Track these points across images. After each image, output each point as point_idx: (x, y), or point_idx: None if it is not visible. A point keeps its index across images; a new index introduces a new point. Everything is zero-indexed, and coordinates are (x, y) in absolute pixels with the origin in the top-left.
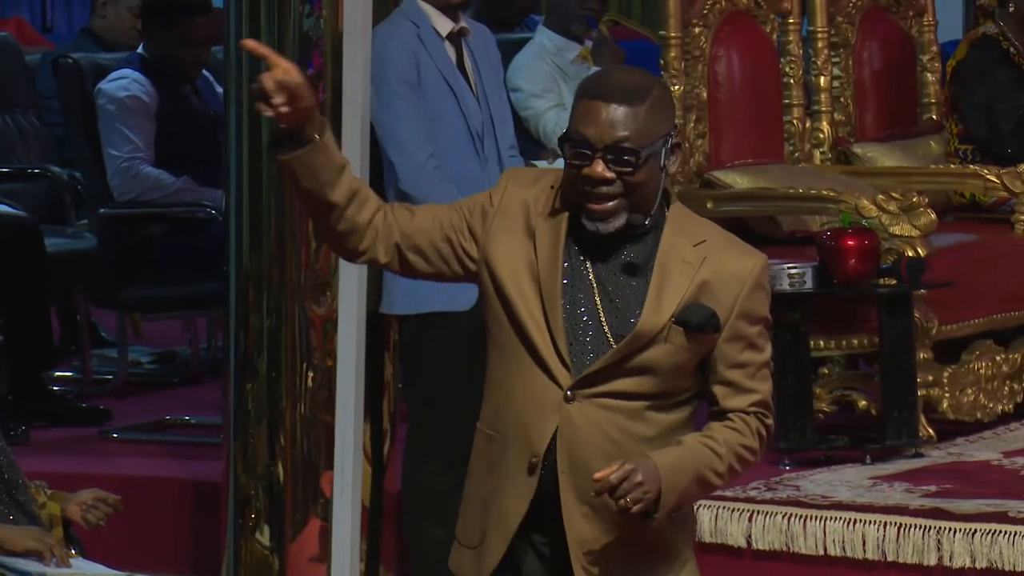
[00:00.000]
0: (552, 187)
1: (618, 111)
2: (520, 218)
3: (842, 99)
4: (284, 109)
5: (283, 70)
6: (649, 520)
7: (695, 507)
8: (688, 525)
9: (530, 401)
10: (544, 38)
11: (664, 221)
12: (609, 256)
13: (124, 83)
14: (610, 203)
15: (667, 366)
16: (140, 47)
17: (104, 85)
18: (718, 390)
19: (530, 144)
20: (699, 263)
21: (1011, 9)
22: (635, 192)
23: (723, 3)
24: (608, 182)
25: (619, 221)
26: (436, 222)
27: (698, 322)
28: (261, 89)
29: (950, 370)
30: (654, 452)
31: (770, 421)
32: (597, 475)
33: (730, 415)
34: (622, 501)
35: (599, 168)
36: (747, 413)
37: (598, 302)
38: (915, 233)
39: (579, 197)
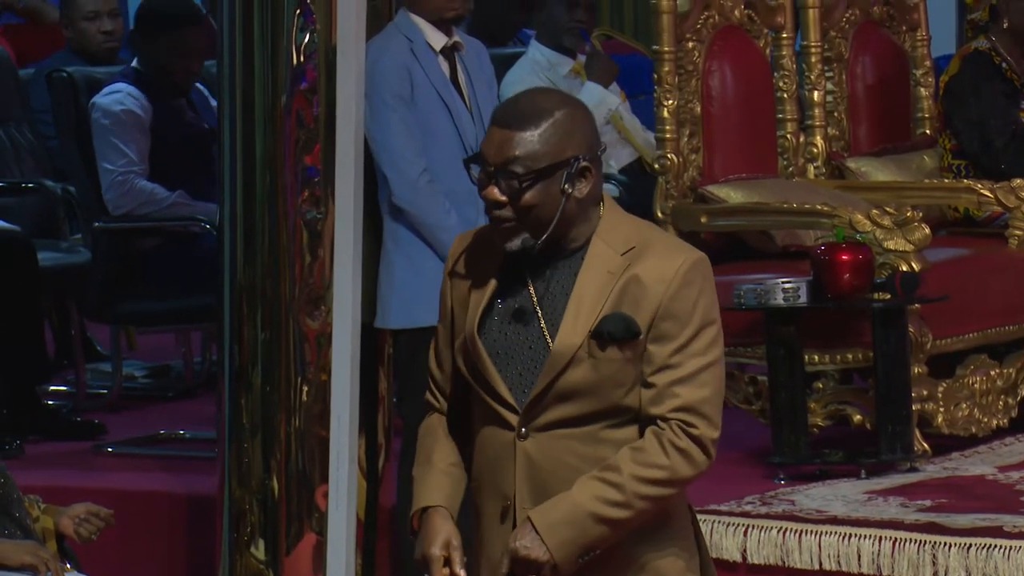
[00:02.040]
0: (486, 231)
1: (506, 135)
2: (465, 276)
3: (836, 114)
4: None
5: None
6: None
7: (694, 516)
8: (673, 546)
9: (491, 447)
10: (537, 53)
11: (596, 231)
12: (547, 273)
13: (119, 96)
14: (504, 225)
15: (599, 382)
16: (134, 60)
17: (99, 99)
18: (643, 395)
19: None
20: (622, 271)
21: (1004, 25)
22: (527, 215)
23: (716, 18)
24: (499, 204)
25: (517, 242)
26: (448, 361)
27: (612, 331)
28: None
29: (944, 384)
30: (536, 509)
31: (700, 431)
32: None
33: (649, 429)
34: None
35: (492, 191)
36: (666, 421)
37: (543, 326)
38: (909, 248)
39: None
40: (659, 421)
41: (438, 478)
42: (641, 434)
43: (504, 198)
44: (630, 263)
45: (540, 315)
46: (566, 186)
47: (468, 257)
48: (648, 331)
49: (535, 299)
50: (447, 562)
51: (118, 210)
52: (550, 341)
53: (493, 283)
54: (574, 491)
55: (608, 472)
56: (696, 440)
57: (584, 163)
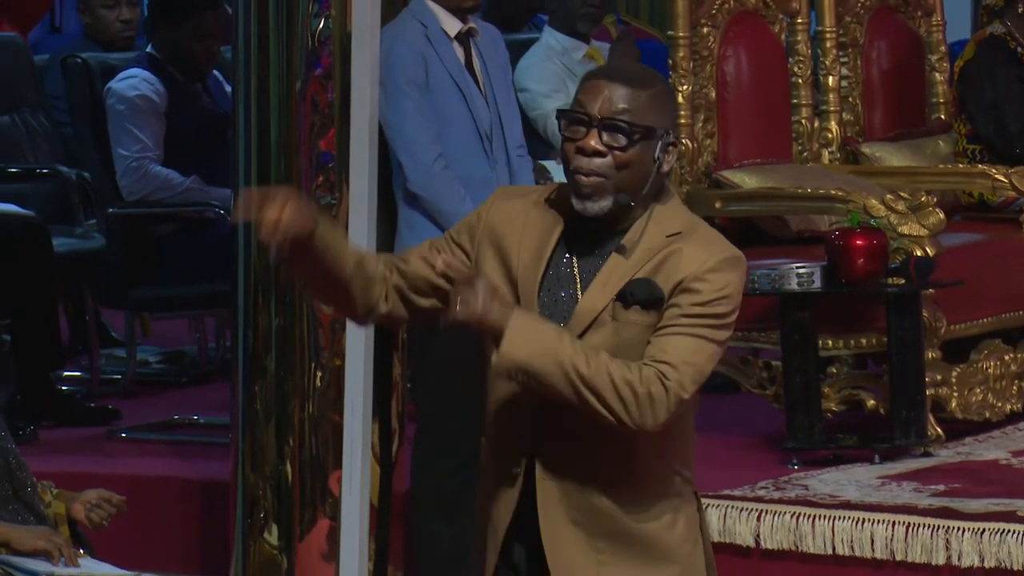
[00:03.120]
0: (545, 197)
1: (619, 89)
2: (506, 230)
3: (850, 99)
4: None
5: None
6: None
7: (699, 504)
8: (679, 527)
9: (510, 410)
10: (551, 38)
11: (650, 216)
12: (595, 249)
13: (134, 82)
14: (597, 179)
15: (619, 346)
16: (149, 46)
17: (114, 84)
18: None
19: (538, 144)
20: (661, 249)
21: (1020, 10)
22: (624, 171)
23: (731, 3)
24: (600, 154)
25: (605, 201)
26: (428, 257)
27: (635, 293)
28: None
29: (958, 369)
30: (525, 312)
31: (673, 386)
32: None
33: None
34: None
35: (592, 140)
36: (648, 365)
37: (578, 295)
38: (923, 233)
39: (570, 172)
40: (645, 363)
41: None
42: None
43: (604, 148)
44: (671, 245)
45: (579, 287)
46: (659, 155)
47: (519, 212)
48: (667, 299)
49: (577, 270)
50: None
51: (132, 195)
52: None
53: (551, 247)
54: (561, 330)
55: (590, 349)
56: (668, 392)
57: (671, 139)
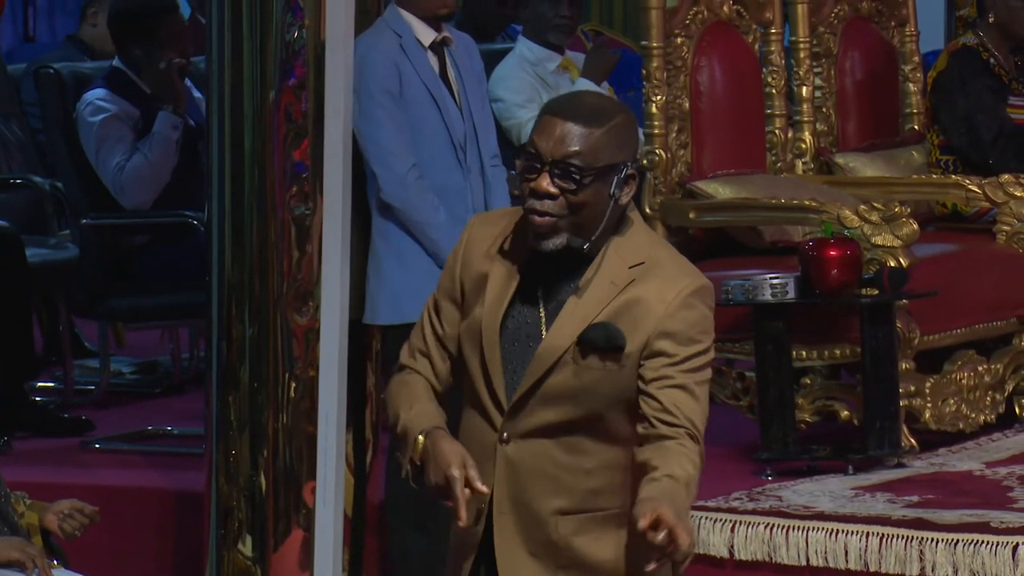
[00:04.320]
0: (515, 224)
1: (572, 129)
2: (480, 261)
3: (824, 109)
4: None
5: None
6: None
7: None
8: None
9: (474, 447)
10: (524, 48)
11: (609, 243)
12: (560, 278)
13: (93, 107)
14: (550, 219)
15: (580, 389)
16: (115, 59)
17: (80, 108)
18: (646, 409)
19: (512, 154)
20: (625, 284)
21: (991, 20)
22: (577, 213)
23: (705, 13)
24: (551, 197)
25: (559, 240)
26: (449, 331)
27: (594, 339)
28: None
29: (932, 380)
30: (663, 503)
31: (700, 440)
32: (643, 524)
33: (670, 442)
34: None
35: (544, 182)
36: (679, 436)
37: (543, 331)
38: (897, 243)
39: (525, 212)
40: (672, 437)
41: (433, 409)
42: (632, 444)
43: (555, 190)
44: (635, 279)
45: (543, 317)
46: (615, 191)
47: (492, 243)
48: (642, 350)
49: (541, 300)
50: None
51: (133, 201)
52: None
53: (518, 278)
54: (671, 479)
55: (678, 474)
56: (696, 447)
57: (631, 170)
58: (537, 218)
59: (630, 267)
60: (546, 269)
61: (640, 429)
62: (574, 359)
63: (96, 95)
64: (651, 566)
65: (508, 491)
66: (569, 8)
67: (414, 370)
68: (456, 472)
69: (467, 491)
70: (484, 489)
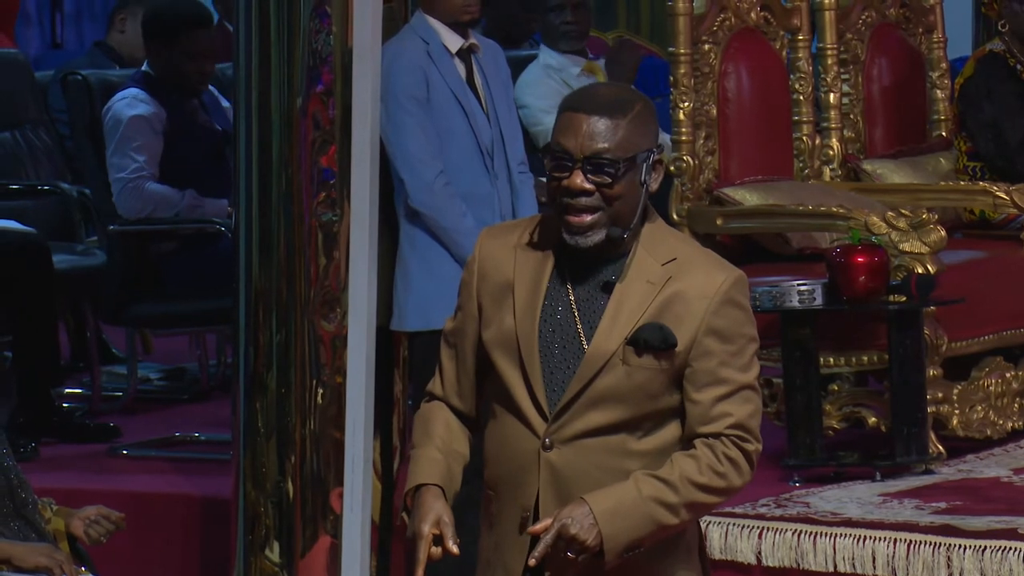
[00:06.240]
0: (530, 232)
1: (598, 123)
2: (499, 271)
3: (851, 116)
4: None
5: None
6: (600, 559)
7: (700, 531)
8: (681, 551)
9: (513, 455)
10: (547, 56)
11: (638, 240)
12: (589, 278)
13: (128, 102)
14: (588, 216)
15: (631, 390)
16: (144, 64)
17: (110, 104)
18: (689, 410)
19: (539, 160)
20: (663, 282)
21: (1003, 27)
22: (613, 205)
23: (733, 20)
24: (587, 193)
25: (598, 236)
26: (471, 351)
27: (649, 339)
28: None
29: (960, 387)
30: (592, 494)
31: (751, 446)
32: (530, 529)
33: (698, 440)
34: (563, 555)
35: (578, 179)
36: (717, 437)
37: (580, 330)
38: (925, 250)
39: (559, 211)
40: (707, 439)
41: (436, 457)
42: (680, 446)
43: (591, 186)
44: (671, 276)
45: (577, 318)
46: (645, 177)
47: (509, 252)
48: (690, 348)
49: (574, 302)
50: (438, 540)
51: (130, 214)
52: (586, 345)
53: (545, 282)
54: (632, 485)
55: (664, 473)
56: (748, 455)
57: (657, 156)
58: (574, 216)
59: (663, 264)
60: (574, 271)
61: (684, 431)
62: (624, 360)
63: (132, 92)
64: (532, 559)
65: (553, 497)
66: (573, 14)
67: (436, 397)
68: (425, 529)
69: (438, 550)
70: (455, 550)
